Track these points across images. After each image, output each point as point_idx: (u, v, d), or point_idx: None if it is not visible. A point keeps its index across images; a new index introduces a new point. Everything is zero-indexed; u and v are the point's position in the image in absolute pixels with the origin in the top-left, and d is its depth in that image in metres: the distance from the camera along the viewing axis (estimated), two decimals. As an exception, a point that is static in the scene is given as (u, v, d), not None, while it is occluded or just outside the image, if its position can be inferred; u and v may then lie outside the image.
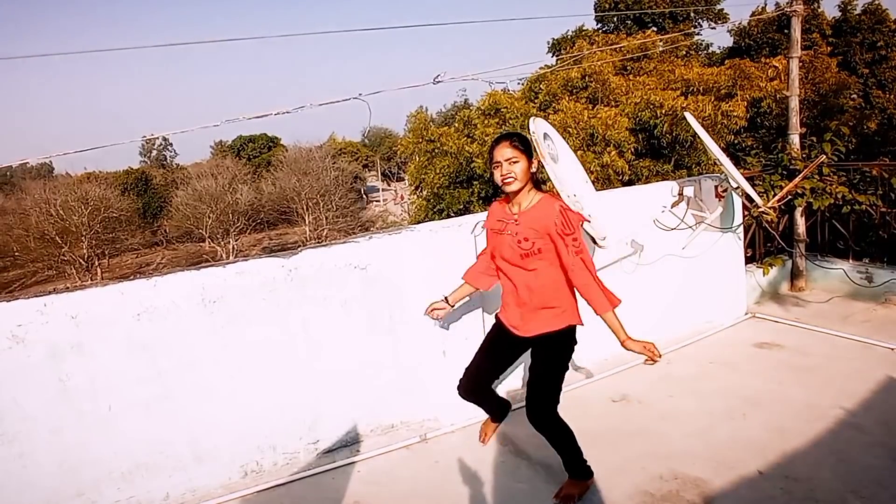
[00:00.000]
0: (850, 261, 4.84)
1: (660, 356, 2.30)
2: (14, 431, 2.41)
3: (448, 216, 12.79)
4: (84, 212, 27.85)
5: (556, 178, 2.79)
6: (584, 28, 22.21)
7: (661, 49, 15.04)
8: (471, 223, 3.16)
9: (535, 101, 14.16)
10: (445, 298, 2.80)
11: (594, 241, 3.01)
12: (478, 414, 3.27)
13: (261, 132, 49.64)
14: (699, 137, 4.08)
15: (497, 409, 2.95)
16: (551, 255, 2.37)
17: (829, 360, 3.63)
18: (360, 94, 4.20)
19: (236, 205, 31.85)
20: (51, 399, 2.46)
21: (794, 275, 5.06)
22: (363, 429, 3.10)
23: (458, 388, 2.73)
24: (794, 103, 5.10)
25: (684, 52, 17.27)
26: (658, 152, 12.90)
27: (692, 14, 22.44)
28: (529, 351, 2.55)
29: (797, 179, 4.53)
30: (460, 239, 3.14)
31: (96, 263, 28.84)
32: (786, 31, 5.43)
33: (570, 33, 22.24)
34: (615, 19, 22.11)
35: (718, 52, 22.38)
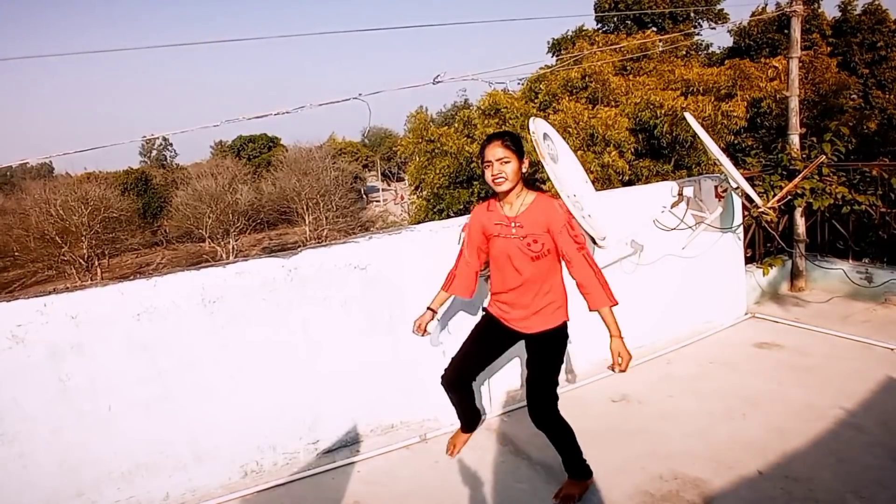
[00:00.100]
0: (850, 261, 4.84)
1: (623, 371, 2.32)
2: (14, 431, 2.41)
3: (448, 216, 12.80)
4: (84, 212, 27.84)
5: (556, 179, 2.79)
6: (585, 28, 22.22)
7: (660, 49, 15.03)
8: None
9: (535, 101, 14.15)
10: (430, 309, 2.71)
11: (594, 242, 3.01)
12: (478, 414, 3.28)
13: (261, 132, 49.70)
14: (699, 137, 4.08)
15: (470, 415, 2.91)
16: (554, 254, 2.40)
17: (829, 360, 3.63)
18: (360, 94, 4.20)
19: (236, 205, 31.84)
20: (51, 399, 2.46)
21: (794, 275, 5.06)
22: (363, 429, 3.10)
23: (443, 378, 2.72)
24: (794, 103, 5.10)
25: (684, 53, 17.27)
26: (658, 152, 12.90)
27: (692, 14, 22.43)
28: (525, 347, 2.56)
29: (797, 180, 4.53)
30: (460, 239, 3.14)
31: (96, 263, 28.83)
32: (786, 31, 5.43)
33: (570, 33, 22.24)
34: (615, 19, 22.11)
35: (718, 52, 22.35)
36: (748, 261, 4.76)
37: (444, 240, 3.12)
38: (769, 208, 4.27)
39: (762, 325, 4.35)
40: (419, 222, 11.01)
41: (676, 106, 11.63)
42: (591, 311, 2.35)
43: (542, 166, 2.80)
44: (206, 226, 30.49)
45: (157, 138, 50.54)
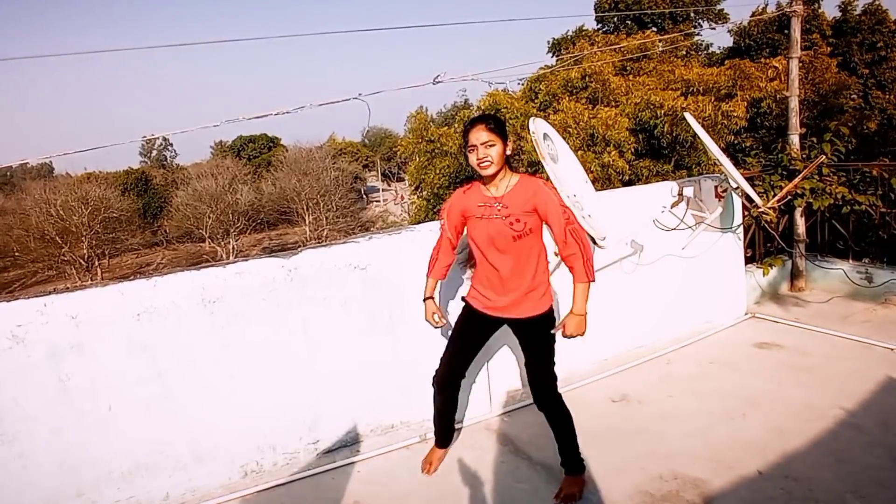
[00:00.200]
0: (850, 261, 4.84)
1: (566, 336, 2.41)
2: (14, 431, 2.41)
3: (448, 216, 12.75)
4: (84, 212, 27.85)
5: (556, 179, 2.79)
6: (585, 28, 22.23)
7: (660, 49, 15.02)
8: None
9: (535, 101, 14.16)
10: (431, 298, 2.70)
11: (594, 241, 3.01)
12: (476, 414, 3.28)
13: (261, 132, 49.71)
14: (699, 138, 4.08)
15: (448, 426, 2.85)
16: (538, 235, 2.42)
17: (829, 360, 3.63)
18: (360, 94, 4.20)
19: (236, 205, 31.85)
20: (51, 399, 2.46)
21: (794, 275, 5.06)
22: (363, 429, 3.10)
23: (434, 378, 2.70)
24: (794, 104, 5.10)
25: (684, 53, 17.28)
26: (658, 152, 12.91)
27: (692, 14, 22.44)
28: (515, 334, 2.58)
29: (797, 180, 4.53)
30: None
31: (96, 263, 28.84)
32: (786, 31, 5.43)
33: (570, 33, 22.25)
34: (615, 20, 22.11)
35: (718, 52, 22.38)
36: (748, 261, 4.76)
37: (444, 240, 3.12)
38: (769, 208, 4.27)
39: (762, 325, 4.35)
40: (419, 222, 11.00)
41: (676, 106, 11.64)
42: (575, 282, 2.39)
43: (543, 166, 2.80)
44: (206, 226, 30.51)
45: (157, 138, 50.56)
